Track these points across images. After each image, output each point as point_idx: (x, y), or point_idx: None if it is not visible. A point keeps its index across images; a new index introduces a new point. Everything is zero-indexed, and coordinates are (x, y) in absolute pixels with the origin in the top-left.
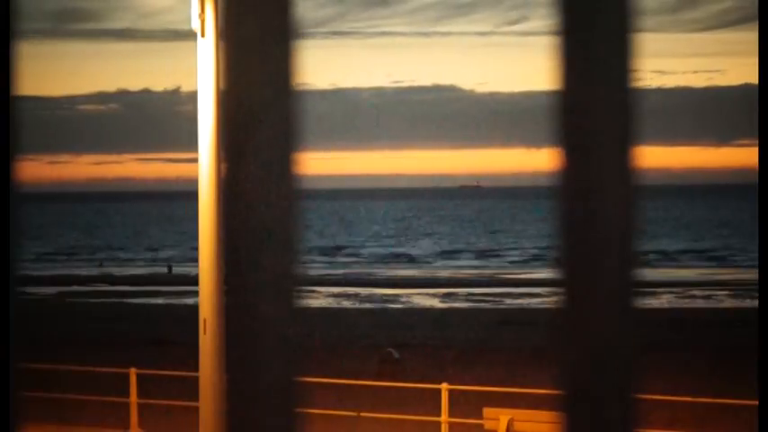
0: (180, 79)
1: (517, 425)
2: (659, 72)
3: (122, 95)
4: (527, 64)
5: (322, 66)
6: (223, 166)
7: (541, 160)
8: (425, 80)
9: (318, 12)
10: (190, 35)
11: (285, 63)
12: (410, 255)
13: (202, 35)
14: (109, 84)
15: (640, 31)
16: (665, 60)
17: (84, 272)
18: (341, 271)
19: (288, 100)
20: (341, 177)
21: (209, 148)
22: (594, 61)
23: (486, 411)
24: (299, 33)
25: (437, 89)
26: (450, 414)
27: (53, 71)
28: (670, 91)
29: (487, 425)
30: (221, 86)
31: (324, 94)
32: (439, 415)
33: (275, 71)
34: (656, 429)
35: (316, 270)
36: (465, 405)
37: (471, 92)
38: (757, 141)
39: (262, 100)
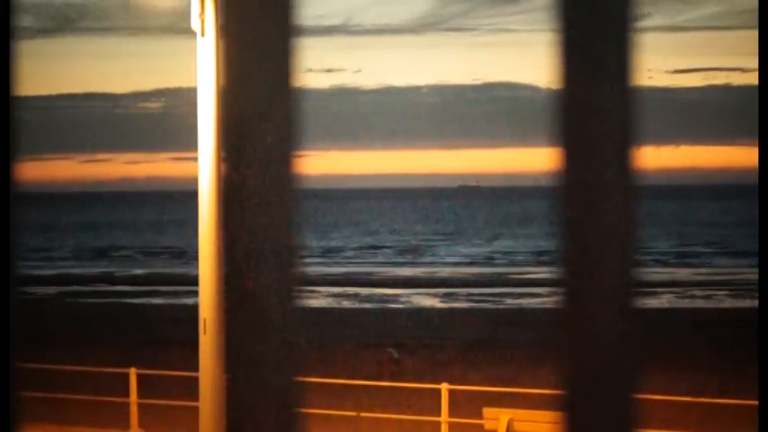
0: None
1: (517, 425)
2: (740, 70)
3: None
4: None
5: (415, 63)
6: (223, 165)
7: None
8: (507, 78)
9: (444, 8)
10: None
11: (285, 62)
12: None
13: (202, 35)
14: (182, 80)
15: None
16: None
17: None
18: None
19: (288, 99)
20: (387, 177)
21: (209, 147)
22: (597, 60)
23: (486, 411)
24: (299, 32)
25: (509, 87)
26: (451, 414)
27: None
28: (743, 88)
29: (487, 425)
30: (221, 86)
31: (389, 91)
32: (439, 415)
33: (275, 70)
34: (656, 429)
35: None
36: (465, 405)
37: (547, 89)
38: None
39: (262, 99)
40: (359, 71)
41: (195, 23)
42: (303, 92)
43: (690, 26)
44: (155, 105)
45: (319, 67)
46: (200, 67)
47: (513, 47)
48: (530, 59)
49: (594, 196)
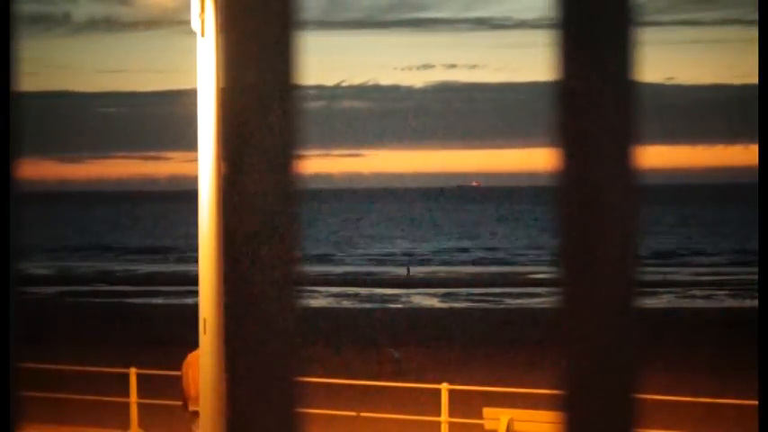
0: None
1: (517, 425)
2: None
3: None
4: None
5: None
6: (223, 165)
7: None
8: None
9: (655, 2)
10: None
11: (286, 61)
12: None
13: (202, 35)
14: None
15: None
16: None
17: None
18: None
19: (289, 99)
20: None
21: (209, 147)
22: (596, 57)
23: (486, 411)
24: (299, 32)
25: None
26: (451, 414)
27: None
28: None
29: (487, 425)
30: (222, 86)
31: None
32: (439, 415)
33: (276, 70)
34: (656, 429)
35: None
36: (465, 405)
37: (659, 85)
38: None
39: (262, 99)
40: (500, 69)
41: (195, 23)
42: (400, 89)
43: None
44: None
45: (463, 63)
46: (200, 67)
47: (698, 44)
48: (715, 55)
49: (595, 196)
